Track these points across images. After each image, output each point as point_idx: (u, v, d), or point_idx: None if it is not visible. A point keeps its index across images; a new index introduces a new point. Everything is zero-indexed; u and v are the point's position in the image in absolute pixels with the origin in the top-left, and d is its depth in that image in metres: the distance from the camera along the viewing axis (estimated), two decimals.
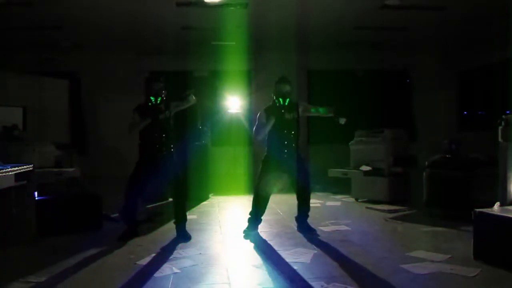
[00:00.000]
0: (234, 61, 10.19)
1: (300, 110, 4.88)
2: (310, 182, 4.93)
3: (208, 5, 7.16)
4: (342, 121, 4.83)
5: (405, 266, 3.59)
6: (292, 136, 4.78)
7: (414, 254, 3.93)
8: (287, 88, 4.78)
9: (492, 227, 3.65)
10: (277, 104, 4.75)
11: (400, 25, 8.66)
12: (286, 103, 4.74)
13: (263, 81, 10.80)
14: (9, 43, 9.31)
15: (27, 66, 9.63)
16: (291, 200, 6.97)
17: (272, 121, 4.67)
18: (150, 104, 4.62)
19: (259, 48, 10.27)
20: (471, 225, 3.88)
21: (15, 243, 4.38)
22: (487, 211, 3.77)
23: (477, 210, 3.79)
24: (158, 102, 4.61)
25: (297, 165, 4.77)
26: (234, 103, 9.55)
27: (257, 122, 4.79)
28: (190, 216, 5.89)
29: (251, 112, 10.53)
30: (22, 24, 8.09)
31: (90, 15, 7.69)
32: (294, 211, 5.03)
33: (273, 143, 4.80)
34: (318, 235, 4.71)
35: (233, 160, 9.34)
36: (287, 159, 4.74)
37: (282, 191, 7.21)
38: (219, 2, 6.95)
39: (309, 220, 4.93)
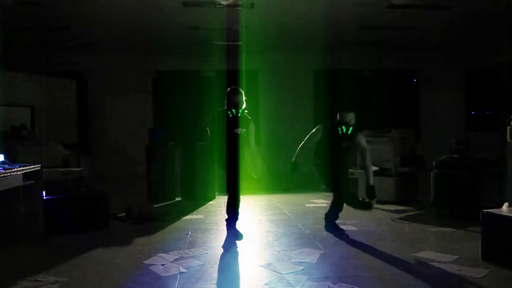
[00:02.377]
0: (241, 61, 10.20)
1: (358, 140, 4.71)
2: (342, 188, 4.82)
3: (215, 5, 7.18)
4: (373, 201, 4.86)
5: (412, 267, 3.57)
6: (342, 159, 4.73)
7: (421, 254, 3.90)
8: (351, 116, 4.62)
9: (500, 228, 3.62)
10: (339, 132, 4.60)
11: (406, 24, 8.62)
12: (350, 132, 4.60)
13: (269, 81, 10.84)
14: (17, 44, 9.38)
15: (35, 66, 9.70)
16: (298, 200, 6.98)
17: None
18: (231, 116, 4.53)
19: (266, 48, 10.27)
20: (479, 226, 3.85)
21: (23, 242, 4.41)
22: (495, 212, 3.73)
23: (485, 210, 3.76)
24: (239, 114, 4.54)
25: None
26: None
27: (313, 131, 4.72)
28: (196, 216, 5.92)
29: (257, 113, 10.55)
30: (30, 25, 8.16)
31: (97, 16, 7.74)
32: (300, 211, 5.02)
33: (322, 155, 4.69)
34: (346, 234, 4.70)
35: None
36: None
37: (288, 191, 7.19)
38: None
39: (315, 220, 4.92)
